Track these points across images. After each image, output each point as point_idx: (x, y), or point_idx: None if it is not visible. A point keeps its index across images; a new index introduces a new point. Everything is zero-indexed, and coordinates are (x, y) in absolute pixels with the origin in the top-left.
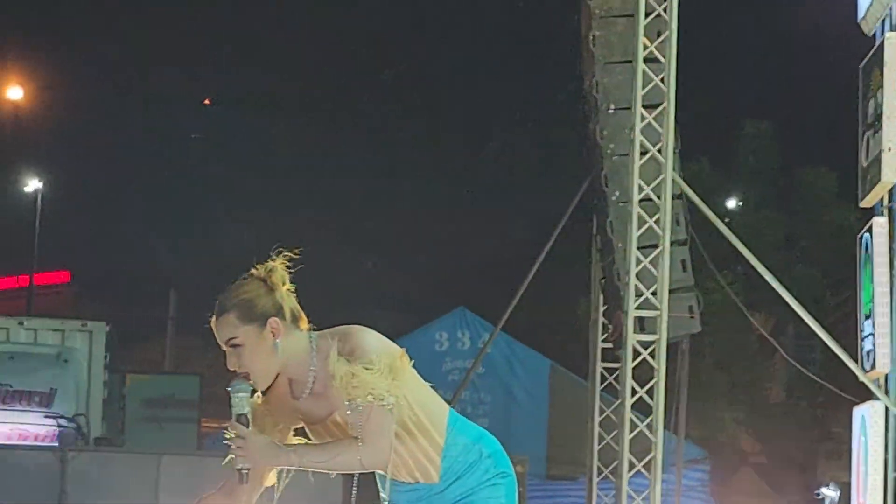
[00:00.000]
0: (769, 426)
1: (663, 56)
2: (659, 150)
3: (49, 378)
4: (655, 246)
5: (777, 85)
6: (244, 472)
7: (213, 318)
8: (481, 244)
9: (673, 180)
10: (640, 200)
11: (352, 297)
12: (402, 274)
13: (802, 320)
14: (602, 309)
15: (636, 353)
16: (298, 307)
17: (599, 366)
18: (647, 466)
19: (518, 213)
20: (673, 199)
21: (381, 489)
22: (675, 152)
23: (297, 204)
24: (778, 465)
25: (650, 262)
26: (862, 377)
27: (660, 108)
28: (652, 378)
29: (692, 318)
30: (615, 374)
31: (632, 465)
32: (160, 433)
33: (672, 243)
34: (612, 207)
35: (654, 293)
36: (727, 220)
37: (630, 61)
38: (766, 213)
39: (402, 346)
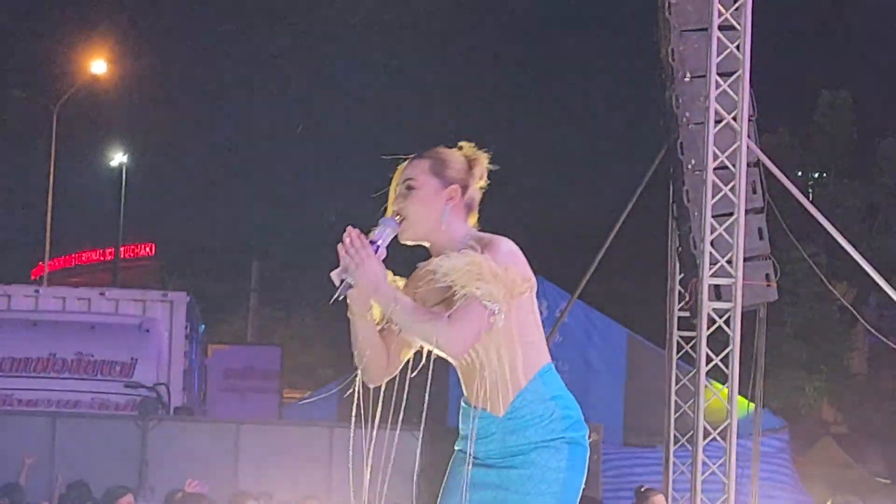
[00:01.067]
0: (850, 396)
1: (738, 24)
2: (734, 118)
3: (130, 348)
4: (731, 214)
5: (855, 54)
6: (346, 284)
7: (405, 163)
8: (559, 213)
9: (748, 148)
10: (715, 168)
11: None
12: None
13: (884, 290)
14: (678, 277)
15: (711, 321)
16: (477, 202)
17: (676, 334)
18: (723, 434)
19: (595, 181)
20: (749, 166)
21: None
22: (750, 120)
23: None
24: (859, 435)
25: (725, 229)
26: None
27: (735, 76)
28: (728, 346)
29: (769, 286)
30: (692, 343)
31: (707, 433)
32: (241, 403)
33: (748, 211)
34: (687, 175)
35: (729, 261)
36: (809, 190)
37: (705, 29)
38: (846, 182)
39: None
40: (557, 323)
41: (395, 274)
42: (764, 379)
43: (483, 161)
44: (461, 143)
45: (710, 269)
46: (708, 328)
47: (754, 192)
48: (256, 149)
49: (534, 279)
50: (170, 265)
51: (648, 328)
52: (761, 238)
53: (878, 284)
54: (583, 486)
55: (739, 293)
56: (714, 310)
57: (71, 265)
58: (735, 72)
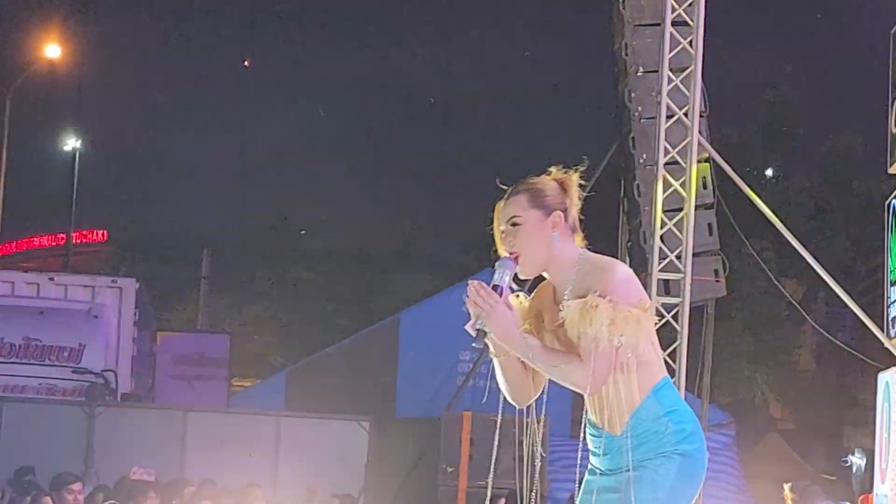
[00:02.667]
0: (797, 393)
1: (691, 19)
2: (685, 114)
3: (78, 333)
4: (681, 209)
5: (805, 51)
6: (482, 332)
7: (501, 202)
8: None
9: (699, 144)
10: (666, 163)
11: (387, 258)
12: (435, 235)
13: (832, 288)
14: None
15: (659, 316)
16: (579, 221)
17: None
18: None
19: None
20: (699, 162)
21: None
22: (702, 116)
23: (333, 168)
24: (805, 431)
25: (675, 224)
26: (887, 343)
27: (687, 72)
28: (675, 341)
29: (717, 281)
30: None
31: None
32: (190, 391)
33: (698, 207)
34: (638, 170)
35: (678, 256)
36: (764, 187)
37: (659, 24)
38: (796, 180)
39: (430, 307)
40: None
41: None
42: (712, 374)
43: (574, 180)
44: (549, 168)
45: (660, 263)
46: (656, 323)
47: (704, 187)
48: (210, 138)
49: (649, 301)
50: (121, 252)
51: None
52: (711, 234)
53: (826, 282)
54: (696, 494)
55: (688, 288)
56: (662, 304)
57: (22, 250)
58: (687, 67)
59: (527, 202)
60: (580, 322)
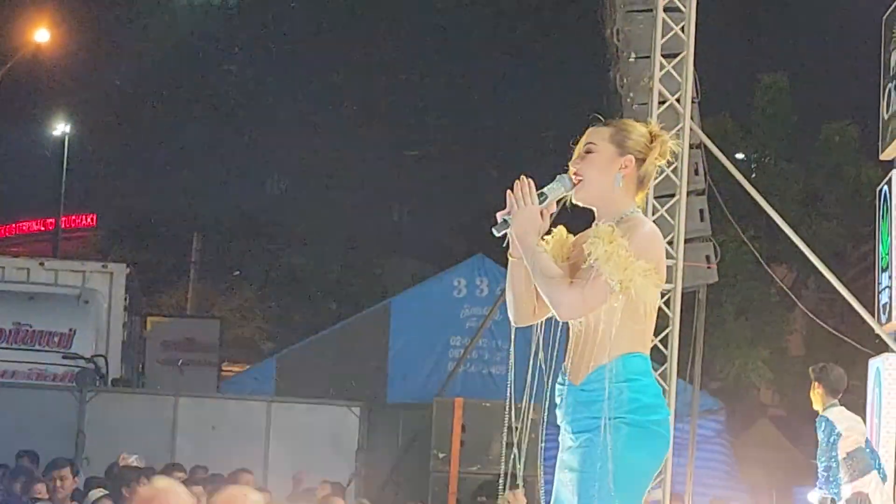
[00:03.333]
0: (788, 379)
1: (683, 5)
2: (678, 100)
3: (69, 319)
4: (672, 195)
5: (797, 38)
6: (503, 223)
7: (592, 127)
8: (501, 191)
9: (691, 130)
10: None
11: (375, 244)
12: (422, 221)
13: (822, 274)
14: None
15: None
16: (651, 179)
17: None
18: None
19: (538, 159)
20: (691, 148)
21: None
22: (693, 102)
23: (323, 154)
24: (796, 417)
25: (667, 211)
26: (878, 329)
27: (679, 58)
28: (667, 327)
29: (709, 267)
30: None
31: None
32: (179, 376)
33: (689, 193)
34: None
35: (670, 242)
36: (752, 173)
37: (651, 10)
38: (787, 166)
39: (420, 293)
40: (498, 301)
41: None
42: (704, 360)
43: (665, 140)
44: (649, 119)
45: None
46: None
47: (696, 174)
48: (199, 121)
49: (663, 272)
50: (111, 236)
51: None
52: (702, 220)
53: (816, 268)
54: (653, 468)
55: (680, 274)
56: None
57: (11, 234)
58: (679, 53)
59: (609, 135)
60: (593, 244)
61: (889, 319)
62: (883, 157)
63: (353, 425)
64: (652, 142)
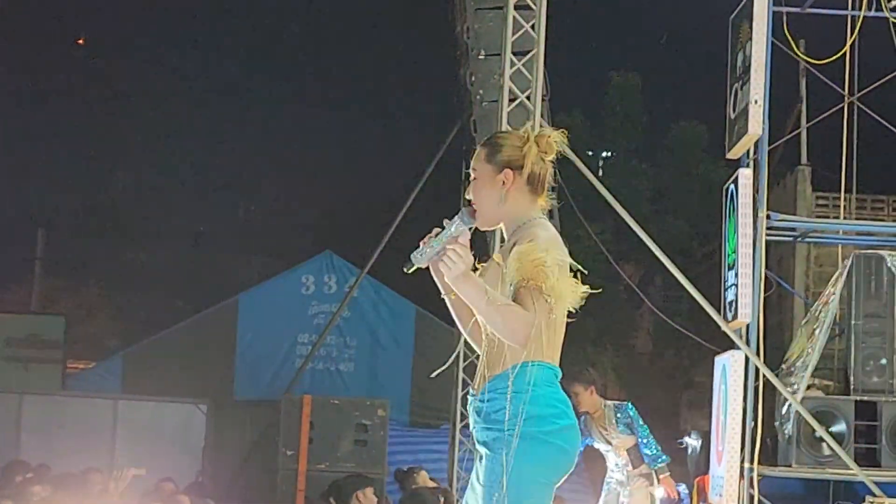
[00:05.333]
0: (635, 375)
1: (534, 3)
2: (528, 97)
3: None
4: None
5: (647, 37)
6: (410, 260)
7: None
8: (350, 187)
9: (541, 127)
10: None
11: (222, 240)
12: (269, 217)
13: (669, 271)
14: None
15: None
16: (547, 181)
17: None
18: None
19: (387, 157)
20: None
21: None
22: (543, 100)
23: (169, 148)
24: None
25: None
26: (724, 327)
27: (529, 55)
28: None
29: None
30: None
31: None
32: (24, 373)
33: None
34: None
35: None
36: (599, 171)
37: (501, 7)
38: (635, 164)
39: (268, 290)
40: (346, 298)
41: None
42: None
43: (542, 136)
44: (526, 123)
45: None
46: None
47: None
48: (43, 113)
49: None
50: None
51: (438, 304)
52: (551, 217)
53: (664, 265)
54: (552, 480)
55: None
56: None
57: None
58: (530, 51)
59: (484, 156)
60: (511, 269)
61: (735, 317)
62: (730, 156)
63: (200, 423)
64: (525, 145)
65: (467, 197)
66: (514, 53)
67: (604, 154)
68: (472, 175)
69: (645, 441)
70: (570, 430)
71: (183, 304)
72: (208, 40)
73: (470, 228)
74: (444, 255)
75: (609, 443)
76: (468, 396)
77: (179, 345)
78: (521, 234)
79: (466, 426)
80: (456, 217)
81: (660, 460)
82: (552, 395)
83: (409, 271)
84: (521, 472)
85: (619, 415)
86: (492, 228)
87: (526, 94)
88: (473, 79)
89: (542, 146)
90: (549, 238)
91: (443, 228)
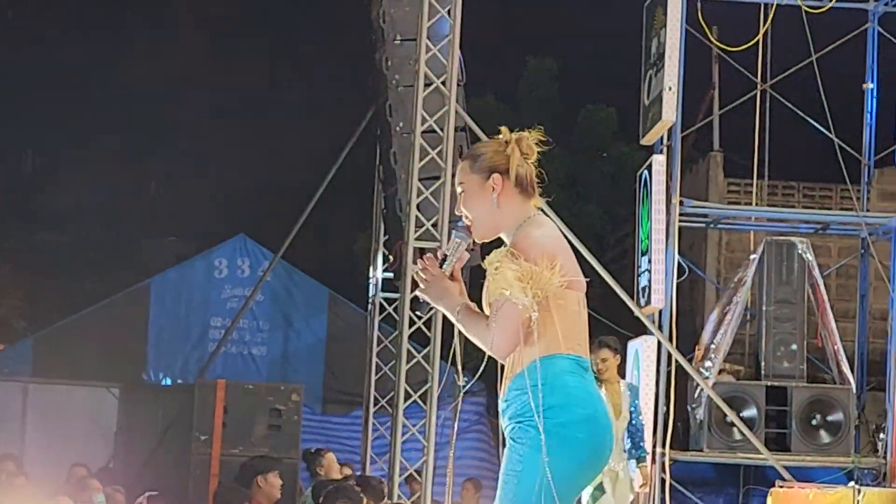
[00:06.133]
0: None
1: None
2: (443, 83)
3: None
4: (438, 178)
5: (562, 22)
6: (422, 304)
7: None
8: (263, 171)
9: (456, 113)
10: (423, 132)
11: (133, 221)
12: (183, 199)
13: (582, 256)
14: (383, 239)
15: (415, 284)
16: (534, 181)
17: (379, 296)
18: (424, 397)
19: (302, 140)
20: (456, 131)
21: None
22: (459, 85)
23: (79, 128)
24: None
25: (431, 193)
26: (637, 312)
27: (445, 40)
28: (431, 309)
29: (473, 250)
30: (394, 305)
31: (408, 396)
32: None
33: (454, 175)
34: (395, 138)
35: (434, 224)
36: None
37: None
38: (551, 149)
39: (181, 273)
40: (259, 282)
41: None
42: (466, 342)
43: (524, 139)
44: (500, 128)
45: (416, 231)
46: (412, 291)
47: (461, 156)
48: None
49: (567, 265)
50: None
51: (352, 289)
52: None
53: (577, 250)
54: (571, 471)
55: None
56: (418, 273)
57: None
58: (446, 36)
59: (468, 167)
60: (489, 277)
61: (648, 302)
62: (643, 142)
63: (112, 407)
64: (507, 146)
65: (457, 213)
66: (430, 38)
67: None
68: (460, 189)
69: (637, 429)
70: (590, 421)
71: (94, 286)
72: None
73: (471, 245)
74: (428, 287)
75: (616, 418)
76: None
77: (91, 328)
78: (517, 235)
79: (379, 411)
80: (453, 236)
81: (641, 451)
82: (573, 385)
83: (424, 313)
84: (533, 464)
85: (630, 393)
86: (490, 239)
87: (441, 79)
88: (389, 63)
89: (524, 148)
90: (538, 239)
91: (445, 255)
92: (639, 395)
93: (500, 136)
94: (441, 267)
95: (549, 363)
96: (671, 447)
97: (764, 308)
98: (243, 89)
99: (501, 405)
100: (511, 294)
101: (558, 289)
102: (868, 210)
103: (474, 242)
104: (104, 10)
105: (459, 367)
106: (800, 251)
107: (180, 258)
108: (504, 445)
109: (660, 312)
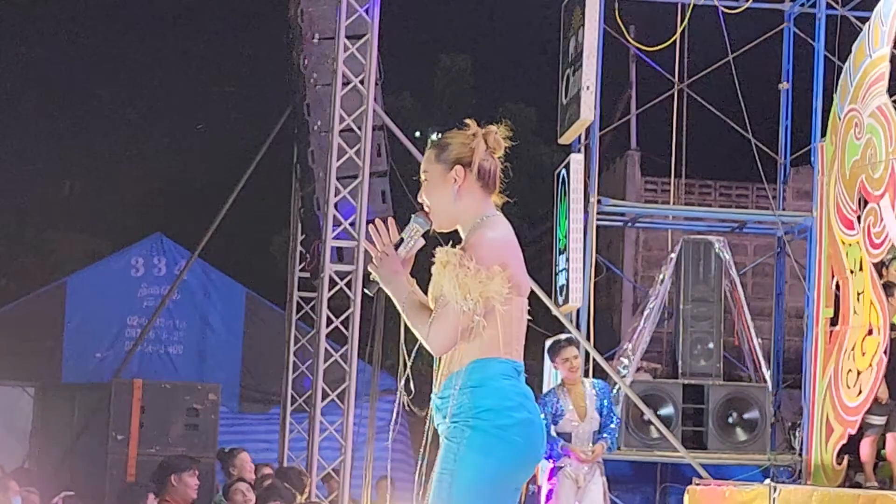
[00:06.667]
0: None
1: None
2: (361, 82)
3: None
4: (355, 177)
5: (476, 20)
6: (374, 282)
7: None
8: (180, 169)
9: (374, 111)
10: (341, 131)
11: (46, 218)
12: (97, 198)
13: None
14: (301, 238)
15: (333, 283)
16: (497, 176)
17: (296, 295)
18: (341, 396)
19: (219, 138)
20: (374, 130)
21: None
22: (376, 84)
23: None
24: None
25: (349, 192)
26: (555, 311)
27: (363, 40)
28: (348, 308)
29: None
30: (312, 304)
31: (325, 395)
32: None
33: (372, 174)
34: (313, 137)
35: (352, 224)
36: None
37: None
38: None
39: (97, 272)
40: (176, 281)
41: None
42: (384, 341)
43: (489, 132)
44: (466, 121)
45: (333, 231)
46: (329, 290)
47: (379, 155)
48: None
49: (514, 273)
50: None
51: (269, 288)
52: (384, 201)
53: None
54: (503, 474)
55: (361, 256)
56: (336, 272)
57: None
58: (363, 35)
59: (434, 156)
60: (435, 271)
61: (566, 301)
62: (561, 141)
63: (27, 406)
64: (474, 137)
65: (419, 200)
66: (348, 37)
67: (433, 136)
68: (423, 177)
69: (610, 422)
70: (528, 424)
71: (7, 283)
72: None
73: (427, 232)
74: (381, 265)
75: (581, 420)
76: (431, 396)
77: (5, 326)
78: (472, 234)
79: (297, 409)
80: (411, 222)
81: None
82: (509, 388)
83: (373, 293)
84: (469, 463)
85: (598, 391)
86: (448, 230)
87: (359, 78)
88: (307, 62)
89: (490, 142)
90: (490, 241)
91: (401, 240)
92: (609, 392)
93: (468, 129)
94: (396, 250)
95: (486, 365)
96: None
97: (681, 307)
98: (161, 87)
99: (436, 401)
100: (456, 296)
101: (505, 296)
102: (784, 209)
103: (429, 232)
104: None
105: (403, 368)
106: (716, 250)
107: (96, 256)
108: (430, 441)
109: (577, 311)
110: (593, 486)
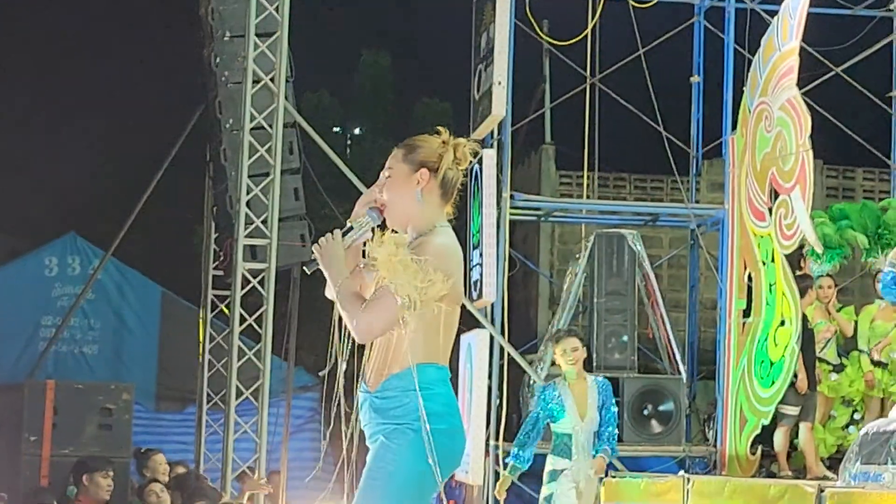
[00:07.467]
0: None
1: None
2: (272, 79)
3: None
4: (267, 174)
5: (393, 15)
6: (314, 261)
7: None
8: (93, 167)
9: (285, 109)
10: (253, 128)
11: None
12: (9, 196)
13: None
14: (214, 236)
15: (246, 281)
16: (456, 188)
17: (211, 293)
18: (256, 394)
19: (132, 136)
20: (285, 127)
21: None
22: (288, 81)
23: None
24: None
25: (261, 190)
26: (469, 306)
27: (274, 37)
28: (261, 306)
29: (303, 246)
30: (226, 302)
31: (240, 393)
32: None
33: (284, 172)
34: (225, 135)
35: (264, 221)
36: (347, 149)
37: None
38: (382, 142)
39: (10, 271)
40: (90, 280)
41: None
42: (298, 337)
43: (460, 145)
44: (438, 128)
45: (246, 229)
46: (242, 288)
47: (291, 152)
48: None
49: (457, 286)
50: None
51: (184, 286)
52: (297, 199)
53: None
54: (432, 475)
55: (274, 253)
56: (249, 270)
57: None
58: (274, 33)
59: (402, 155)
60: (381, 263)
61: (480, 296)
62: (474, 136)
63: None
64: (444, 145)
65: (376, 193)
66: (258, 35)
67: (355, 131)
68: (387, 174)
69: (609, 423)
70: (459, 432)
71: None
72: None
73: (376, 227)
74: (325, 246)
75: (581, 420)
76: (359, 390)
77: None
78: (422, 240)
79: (213, 408)
80: (366, 215)
81: (607, 444)
82: (449, 395)
83: (311, 272)
84: (407, 465)
85: (600, 389)
86: (400, 228)
87: (270, 75)
88: (218, 60)
89: (458, 153)
90: (441, 248)
91: (350, 228)
92: (611, 390)
93: (440, 136)
94: (343, 237)
95: (431, 370)
96: (505, 440)
97: (595, 300)
98: (72, 86)
99: (370, 399)
100: (397, 289)
101: (448, 304)
102: (698, 201)
103: (377, 227)
104: None
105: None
106: (629, 243)
107: (8, 256)
108: (348, 439)
109: (492, 306)
110: (591, 486)
